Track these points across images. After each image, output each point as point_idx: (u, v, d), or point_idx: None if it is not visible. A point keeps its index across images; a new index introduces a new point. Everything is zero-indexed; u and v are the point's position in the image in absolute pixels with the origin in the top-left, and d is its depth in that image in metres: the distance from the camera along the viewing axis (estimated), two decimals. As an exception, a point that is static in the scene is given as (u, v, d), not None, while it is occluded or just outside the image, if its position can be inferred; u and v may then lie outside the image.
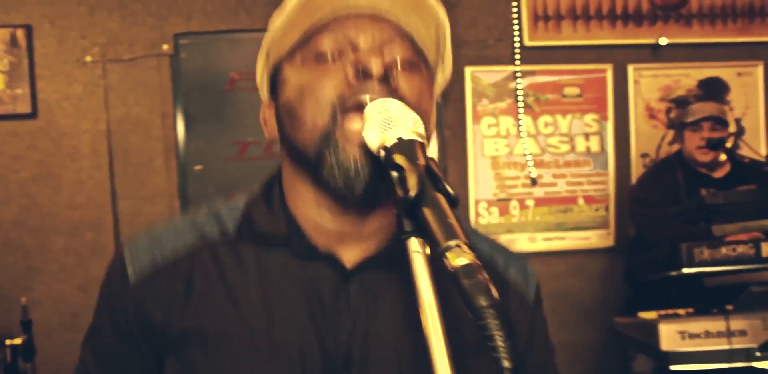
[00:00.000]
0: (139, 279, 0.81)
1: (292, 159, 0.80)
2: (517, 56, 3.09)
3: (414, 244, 0.60)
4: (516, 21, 3.10)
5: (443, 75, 0.84)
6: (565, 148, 3.17)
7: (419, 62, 0.78)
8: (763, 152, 3.18)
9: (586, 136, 3.17)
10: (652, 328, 2.10)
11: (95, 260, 2.84)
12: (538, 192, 3.16)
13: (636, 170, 3.16)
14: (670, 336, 1.94)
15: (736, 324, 1.95)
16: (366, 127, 0.68)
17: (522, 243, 3.13)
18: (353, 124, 0.72)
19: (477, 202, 3.12)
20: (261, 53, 0.83)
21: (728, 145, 2.56)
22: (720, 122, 2.64)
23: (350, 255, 0.80)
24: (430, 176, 0.61)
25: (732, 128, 2.67)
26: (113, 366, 0.85)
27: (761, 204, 2.40)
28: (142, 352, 0.82)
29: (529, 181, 3.15)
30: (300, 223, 0.80)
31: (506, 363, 0.50)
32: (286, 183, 0.83)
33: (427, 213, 0.58)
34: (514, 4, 3.10)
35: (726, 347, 1.95)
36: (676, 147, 2.98)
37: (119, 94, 2.93)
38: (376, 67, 0.72)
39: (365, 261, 0.79)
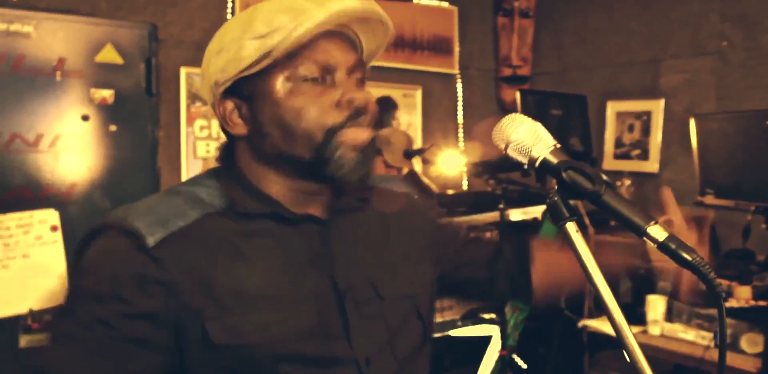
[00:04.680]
0: (160, 243, 0.86)
1: (270, 155, 0.95)
2: (231, 62, 3.21)
3: (572, 227, 0.80)
4: (230, 28, 3.21)
5: None
6: (271, 151, 3.40)
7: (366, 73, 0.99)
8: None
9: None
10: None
11: None
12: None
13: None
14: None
15: (446, 302, 2.48)
16: (521, 138, 0.84)
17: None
18: (348, 137, 0.92)
19: (189, 203, 3.15)
20: (216, 62, 0.92)
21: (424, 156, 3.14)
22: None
23: (317, 212, 0.99)
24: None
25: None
26: (116, 343, 0.85)
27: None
28: (157, 322, 0.86)
29: (238, 182, 3.29)
30: (274, 198, 0.96)
31: (719, 289, 0.73)
32: (250, 170, 0.97)
33: (616, 202, 0.77)
34: (228, 9, 3.22)
35: (439, 319, 2.46)
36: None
37: None
38: (364, 101, 0.92)
39: (331, 213, 1.00)
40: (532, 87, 4.17)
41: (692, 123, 2.85)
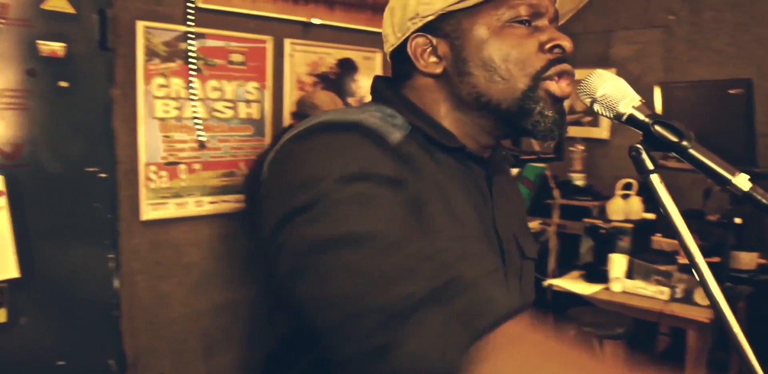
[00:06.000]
0: (397, 144, 0.83)
1: (465, 98, 0.91)
2: (191, 17, 3.03)
3: (656, 178, 0.81)
4: (190, -20, 3.02)
5: None
6: (230, 113, 3.26)
7: None
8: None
9: (248, 102, 3.32)
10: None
11: None
12: (205, 156, 3.18)
13: (287, 137, 3.45)
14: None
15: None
16: (609, 94, 0.84)
17: (190, 207, 3.12)
18: (553, 87, 0.89)
19: (147, 166, 2.97)
20: None
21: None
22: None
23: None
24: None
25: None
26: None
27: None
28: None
29: (197, 145, 3.14)
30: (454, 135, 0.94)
31: None
32: (432, 109, 0.94)
33: (702, 155, 0.79)
34: (188, -39, 3.01)
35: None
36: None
37: None
38: (570, 46, 0.90)
39: (491, 165, 1.00)
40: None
41: (657, 91, 2.96)
